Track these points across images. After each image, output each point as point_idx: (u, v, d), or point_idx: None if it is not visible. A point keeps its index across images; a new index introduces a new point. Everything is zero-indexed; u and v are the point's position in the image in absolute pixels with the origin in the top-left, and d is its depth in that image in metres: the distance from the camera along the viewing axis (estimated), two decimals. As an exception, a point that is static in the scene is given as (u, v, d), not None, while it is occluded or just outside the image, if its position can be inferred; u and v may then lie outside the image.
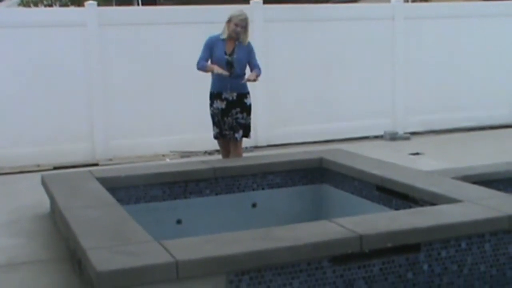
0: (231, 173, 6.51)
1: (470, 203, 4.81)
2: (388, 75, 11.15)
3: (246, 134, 7.37)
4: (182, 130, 9.96)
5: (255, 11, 10.27)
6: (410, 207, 5.36)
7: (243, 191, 6.52)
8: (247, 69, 7.38)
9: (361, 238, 4.11)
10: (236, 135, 7.28)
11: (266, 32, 10.31)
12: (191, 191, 6.32)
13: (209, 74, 7.29)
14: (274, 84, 10.32)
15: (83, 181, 6.02)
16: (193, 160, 8.69)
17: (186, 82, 9.68)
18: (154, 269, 3.70)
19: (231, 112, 7.24)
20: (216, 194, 6.42)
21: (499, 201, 4.87)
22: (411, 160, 8.72)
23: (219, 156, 7.97)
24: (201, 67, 7.22)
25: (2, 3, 22.41)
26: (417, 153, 9.53)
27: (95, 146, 9.63)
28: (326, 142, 10.29)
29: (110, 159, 9.57)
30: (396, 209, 5.52)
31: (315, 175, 6.82)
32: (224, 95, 7.23)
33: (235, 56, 7.21)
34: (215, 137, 7.44)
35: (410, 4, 15.30)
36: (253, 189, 6.57)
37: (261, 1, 10.50)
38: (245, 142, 7.70)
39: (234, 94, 7.23)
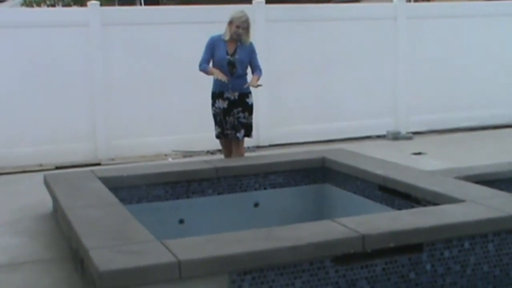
0: (233, 173, 6.51)
1: (473, 203, 4.81)
2: (391, 74, 11.14)
3: (248, 133, 7.37)
4: (184, 129, 9.96)
5: (257, 11, 10.27)
6: (412, 207, 5.35)
7: (245, 190, 6.52)
8: (248, 70, 7.38)
9: (363, 238, 4.11)
10: (238, 134, 7.28)
11: (268, 32, 10.30)
12: (193, 190, 6.32)
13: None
14: (276, 84, 10.32)
15: (85, 181, 6.02)
16: (195, 160, 8.69)
17: (188, 82, 9.67)
18: (156, 269, 3.70)
19: (233, 111, 7.25)
20: (219, 193, 6.42)
21: (502, 201, 4.86)
22: (413, 160, 8.71)
23: (221, 156, 7.97)
24: (203, 69, 7.23)
25: (5, 3, 22.43)
26: (419, 153, 9.52)
27: (97, 145, 9.63)
28: (328, 142, 10.28)
29: (112, 159, 9.57)
30: (399, 209, 5.52)
31: (317, 175, 6.82)
32: (226, 95, 7.24)
33: (237, 56, 7.21)
34: (217, 136, 7.45)
35: (412, 4, 15.29)
36: (255, 189, 6.57)
37: (263, 1, 10.50)
38: (247, 141, 7.69)
39: (236, 94, 7.24)
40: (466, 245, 4.39)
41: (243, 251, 3.90)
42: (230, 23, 7.21)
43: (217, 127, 7.37)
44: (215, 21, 7.41)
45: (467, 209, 4.68)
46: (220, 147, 7.82)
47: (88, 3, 9.94)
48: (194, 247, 3.99)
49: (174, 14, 10.29)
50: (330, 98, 10.79)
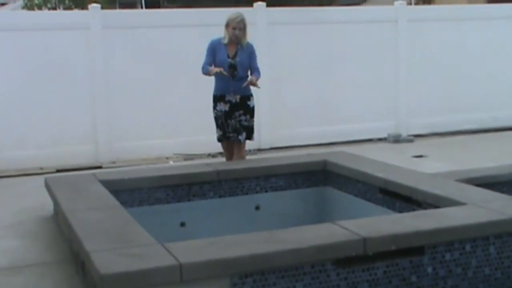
0: (235, 176, 6.51)
1: (474, 205, 4.80)
2: (392, 77, 11.14)
3: (249, 136, 7.37)
4: (185, 132, 9.96)
5: (258, 14, 10.29)
6: (413, 209, 5.34)
7: (247, 193, 6.52)
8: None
9: (364, 240, 4.11)
10: (240, 137, 7.28)
11: (270, 35, 10.31)
12: (194, 193, 6.32)
13: (213, 77, 7.29)
14: (278, 87, 10.33)
15: (86, 184, 6.02)
16: (197, 163, 8.70)
17: (189, 85, 9.68)
18: (157, 272, 3.70)
19: (234, 114, 7.25)
20: (220, 196, 6.41)
21: (503, 204, 4.86)
22: (414, 163, 8.71)
23: (223, 159, 7.97)
24: (205, 72, 7.23)
25: (6, 6, 22.47)
26: (420, 156, 9.52)
27: (98, 148, 9.63)
28: (329, 145, 10.29)
29: (114, 162, 9.57)
30: (400, 211, 5.51)
31: (318, 178, 6.81)
32: (227, 98, 7.24)
33: (238, 59, 7.22)
34: (219, 139, 7.45)
35: (413, 6, 15.33)
36: (257, 192, 6.56)
37: (265, 4, 10.50)
38: (248, 144, 7.69)
39: (238, 97, 7.24)
40: (468, 248, 4.39)
41: (244, 254, 3.90)
42: (227, 25, 7.23)
43: (218, 130, 7.37)
44: (216, 24, 7.41)
45: (468, 212, 4.68)
46: (221, 150, 7.82)
47: (89, 6, 9.96)
48: (195, 250, 3.98)
49: (175, 17, 10.31)
50: (332, 100, 10.79)
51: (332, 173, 6.70)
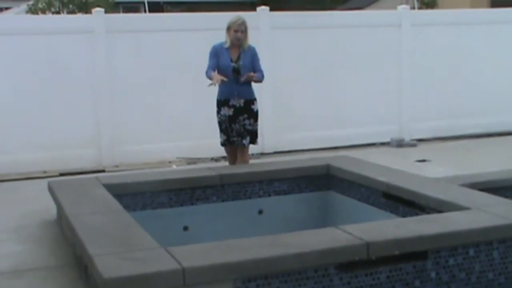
0: (238, 180, 6.51)
1: (478, 210, 4.79)
2: (395, 81, 11.14)
3: (253, 140, 7.37)
4: (188, 136, 9.96)
5: (262, 18, 10.30)
6: (417, 214, 5.34)
7: (250, 197, 6.52)
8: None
9: (368, 245, 4.10)
10: (244, 141, 7.28)
11: (273, 39, 10.32)
12: (197, 197, 6.32)
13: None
14: (281, 91, 10.33)
15: (89, 188, 6.02)
16: (200, 167, 8.70)
17: (192, 89, 9.69)
18: (160, 276, 3.70)
19: (238, 118, 7.24)
20: (223, 200, 6.41)
21: (507, 208, 4.85)
22: (417, 167, 8.70)
23: (226, 163, 7.97)
24: (208, 76, 7.22)
25: (10, 10, 22.52)
26: (423, 160, 9.51)
27: (101, 152, 9.64)
28: (332, 149, 10.28)
29: (117, 166, 9.58)
30: (403, 216, 5.51)
31: (321, 182, 6.81)
32: (231, 102, 7.23)
33: (241, 62, 7.22)
34: (223, 144, 7.43)
35: (416, 11, 15.32)
36: (260, 196, 6.56)
37: (268, 8, 10.51)
38: (252, 148, 7.69)
39: (242, 101, 7.24)
40: (471, 252, 4.38)
41: (247, 258, 3.89)
42: (228, 29, 7.23)
43: (222, 134, 7.36)
44: (219, 28, 7.42)
45: (472, 216, 4.67)
46: (224, 154, 7.82)
47: (93, 10, 9.98)
48: (198, 254, 3.98)
49: (178, 21, 10.32)
50: (335, 105, 10.79)
51: (335, 178, 6.70)
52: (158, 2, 25.55)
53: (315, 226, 5.84)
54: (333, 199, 6.73)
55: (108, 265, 3.82)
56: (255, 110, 7.33)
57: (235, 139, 7.29)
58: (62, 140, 9.45)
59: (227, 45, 7.24)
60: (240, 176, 6.57)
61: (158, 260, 3.89)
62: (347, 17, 11.54)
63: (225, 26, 7.31)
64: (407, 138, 10.99)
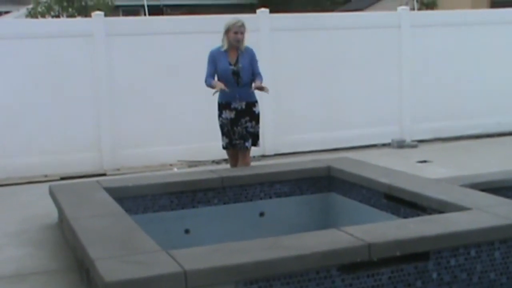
0: (239, 182, 6.51)
1: (479, 210, 4.80)
2: (395, 82, 11.13)
3: (255, 142, 7.36)
4: (189, 139, 9.96)
5: (261, 21, 10.30)
6: (418, 215, 5.33)
7: (251, 200, 6.52)
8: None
9: (369, 246, 4.10)
10: (247, 144, 7.27)
11: (273, 41, 10.32)
12: (199, 200, 6.32)
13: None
14: (281, 93, 10.33)
15: (90, 191, 6.03)
16: (201, 170, 8.71)
17: (193, 92, 9.67)
18: (162, 279, 3.70)
19: (240, 121, 7.24)
20: (224, 203, 6.41)
21: (508, 209, 4.85)
22: (418, 168, 8.70)
23: (227, 165, 7.97)
24: (209, 84, 7.21)
25: (10, 14, 22.53)
26: (424, 161, 9.51)
27: (102, 156, 9.64)
28: (333, 151, 10.28)
29: (118, 169, 9.58)
30: (404, 217, 5.51)
31: (323, 184, 6.81)
32: (233, 105, 7.23)
33: (240, 65, 7.21)
34: (225, 147, 7.42)
35: (416, 12, 15.33)
36: (261, 198, 6.56)
37: (268, 10, 10.52)
38: (253, 151, 7.68)
39: (243, 103, 7.23)
40: (473, 253, 4.38)
41: (249, 261, 3.89)
42: (227, 31, 7.21)
43: (224, 137, 7.35)
44: (220, 31, 7.41)
45: (473, 217, 4.67)
46: (225, 156, 7.82)
47: (93, 13, 9.98)
48: (200, 257, 3.98)
49: (178, 24, 10.31)
50: (335, 106, 10.79)
51: (337, 179, 6.70)
52: (158, 5, 25.60)
53: (317, 228, 5.84)
54: (334, 201, 6.73)
55: (110, 268, 3.82)
56: (256, 112, 7.33)
57: (237, 141, 7.29)
58: (63, 144, 9.45)
59: (224, 48, 7.23)
60: (242, 179, 6.57)
61: (159, 263, 3.89)
62: (347, 19, 11.53)
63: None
64: (408, 139, 10.99)
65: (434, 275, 4.29)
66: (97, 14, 9.82)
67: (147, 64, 9.83)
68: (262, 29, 10.19)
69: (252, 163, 7.81)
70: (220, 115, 7.32)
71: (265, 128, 9.67)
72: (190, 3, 27.11)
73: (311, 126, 10.66)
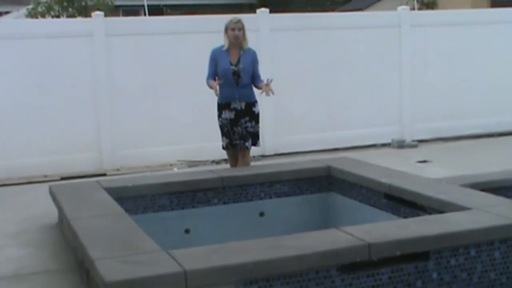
0: (239, 182, 6.51)
1: (479, 210, 4.80)
2: (395, 82, 11.13)
3: (255, 142, 7.37)
4: (189, 139, 9.96)
5: (261, 21, 10.30)
6: (418, 215, 5.34)
7: (251, 200, 6.52)
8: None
9: (369, 246, 4.10)
10: (246, 144, 7.28)
11: (273, 41, 10.31)
12: (199, 200, 6.32)
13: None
14: (281, 93, 10.27)
15: (90, 191, 6.03)
16: (201, 170, 8.70)
17: (193, 92, 9.68)
18: (162, 279, 3.70)
19: (240, 121, 7.24)
20: (224, 203, 6.41)
21: (508, 209, 4.85)
22: (419, 168, 8.70)
23: (227, 165, 7.97)
24: (208, 85, 7.23)
25: (10, 15, 22.53)
26: (424, 161, 9.51)
27: (102, 156, 9.64)
28: (333, 151, 10.28)
29: (118, 169, 9.57)
30: (404, 217, 5.51)
31: (323, 184, 6.81)
32: (232, 105, 7.23)
33: (241, 65, 7.21)
34: (225, 147, 7.43)
35: (416, 11, 15.31)
36: (261, 198, 6.56)
37: (268, 11, 10.52)
38: (253, 151, 7.69)
39: (243, 104, 7.24)
40: (473, 253, 4.38)
41: (249, 261, 3.89)
42: (226, 30, 7.24)
43: (224, 138, 7.36)
44: (219, 31, 7.42)
45: (473, 217, 4.67)
46: (225, 156, 7.82)
47: (93, 14, 9.98)
48: (200, 256, 3.98)
49: (178, 24, 10.31)
50: (335, 106, 10.79)
51: (336, 179, 6.70)
52: (158, 5, 25.59)
53: (317, 227, 5.84)
54: (334, 201, 6.73)
55: (110, 268, 3.82)
56: (256, 112, 7.33)
57: (237, 142, 7.29)
58: (63, 144, 9.45)
59: (225, 47, 7.25)
60: (241, 179, 6.57)
61: (159, 263, 3.89)
62: (347, 19, 11.53)
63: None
64: (408, 139, 10.98)
65: (434, 275, 4.29)
66: (97, 14, 9.82)
67: (147, 64, 9.83)
68: (262, 29, 10.19)
69: (252, 163, 7.81)
70: (219, 116, 7.33)
71: (265, 128, 9.67)
72: (190, 3, 27.11)
73: (311, 126, 10.66)
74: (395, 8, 11.67)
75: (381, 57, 11.02)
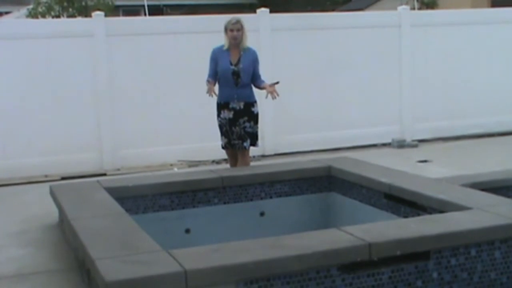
0: (239, 182, 6.51)
1: (479, 210, 4.80)
2: (395, 82, 11.13)
3: (254, 142, 7.37)
4: (189, 139, 9.96)
5: (262, 20, 10.29)
6: (418, 214, 5.34)
7: (251, 200, 6.52)
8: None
9: (370, 246, 4.10)
10: (245, 144, 7.28)
11: (273, 41, 10.31)
12: (199, 200, 6.33)
13: (216, 84, 7.31)
14: (281, 93, 10.17)
15: (91, 191, 6.03)
16: (201, 169, 8.71)
17: (193, 92, 9.67)
18: (163, 278, 3.70)
19: (238, 121, 7.25)
20: (224, 203, 6.41)
21: (509, 208, 4.85)
22: (419, 168, 8.70)
23: (227, 165, 7.97)
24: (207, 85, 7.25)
25: (11, 15, 22.53)
26: (425, 161, 9.51)
27: (103, 156, 9.64)
28: (333, 150, 10.28)
29: (118, 169, 9.58)
30: (405, 217, 5.51)
31: (323, 184, 6.81)
32: (231, 105, 7.24)
33: (241, 65, 7.22)
34: (224, 147, 7.44)
35: (416, 11, 15.31)
36: (261, 198, 6.56)
37: (268, 10, 10.52)
38: (252, 151, 7.69)
39: (242, 104, 7.24)
40: (473, 252, 4.38)
41: (249, 260, 3.90)
42: (225, 30, 7.25)
43: (223, 137, 7.37)
44: (220, 31, 7.42)
45: (473, 216, 4.67)
46: (225, 156, 7.83)
47: (93, 13, 9.98)
48: (200, 256, 3.99)
49: (178, 24, 10.32)
50: (336, 106, 10.79)
51: (337, 179, 6.70)
52: (158, 5, 25.60)
53: (317, 227, 5.85)
54: (334, 201, 6.73)
55: (110, 268, 3.83)
56: (255, 112, 7.33)
57: (236, 142, 7.29)
58: (64, 144, 9.45)
59: (226, 47, 7.26)
60: (242, 178, 6.57)
61: (160, 263, 3.89)
62: (347, 18, 11.52)
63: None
64: (408, 139, 10.98)
65: (435, 275, 4.29)
66: (97, 14, 9.82)
67: (147, 64, 9.83)
68: (262, 29, 10.19)
69: (252, 163, 7.82)
70: (218, 115, 7.34)
71: (265, 128, 9.68)
72: (190, 3, 27.12)
73: (311, 126, 10.65)
74: (395, 8, 11.67)
75: (382, 56, 11.02)
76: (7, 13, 23.95)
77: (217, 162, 9.67)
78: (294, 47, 10.56)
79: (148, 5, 17.62)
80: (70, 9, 19.36)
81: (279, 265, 3.93)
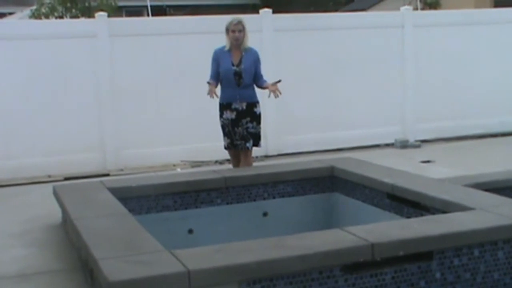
0: (242, 183, 6.51)
1: (482, 210, 4.79)
2: (398, 82, 11.13)
3: (256, 143, 7.37)
4: (192, 139, 9.96)
5: (264, 21, 10.30)
6: (421, 215, 5.34)
7: (254, 200, 6.52)
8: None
9: (372, 246, 4.10)
10: (247, 144, 7.29)
11: (276, 41, 10.32)
12: (202, 200, 6.33)
13: (219, 85, 7.32)
14: (284, 93, 10.18)
15: (94, 192, 6.04)
16: (204, 170, 8.71)
17: (196, 92, 9.64)
18: (166, 279, 3.70)
19: (241, 122, 7.25)
20: (227, 203, 6.42)
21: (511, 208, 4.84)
22: (422, 168, 8.69)
23: (230, 166, 7.98)
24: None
25: (14, 16, 22.56)
26: (428, 161, 9.50)
27: (106, 156, 9.65)
28: (336, 151, 10.28)
29: (121, 169, 9.59)
30: (408, 217, 5.51)
31: (326, 184, 6.81)
32: (234, 106, 7.24)
33: (242, 66, 7.22)
34: (226, 147, 7.44)
35: (419, 12, 15.31)
36: (264, 198, 6.56)
37: (271, 11, 10.52)
38: (255, 151, 7.69)
39: (244, 104, 7.24)
40: (476, 253, 4.38)
41: (252, 261, 3.90)
42: (227, 31, 7.25)
43: (225, 138, 7.37)
44: (222, 31, 7.42)
45: (476, 217, 4.67)
46: (228, 156, 7.83)
47: (96, 14, 9.99)
48: (203, 256, 3.99)
49: (181, 25, 10.32)
50: (338, 106, 10.79)
51: (340, 179, 6.70)
52: (161, 6, 25.59)
53: (320, 227, 5.84)
54: (337, 201, 6.73)
55: (114, 268, 3.83)
56: (257, 113, 7.33)
57: (238, 142, 7.30)
58: (67, 145, 9.46)
59: (227, 47, 7.26)
60: (245, 179, 6.57)
61: (163, 263, 3.90)
62: (349, 19, 11.53)
63: (227, 29, 7.33)
64: (411, 139, 10.98)
65: (438, 275, 4.29)
66: (100, 15, 9.83)
67: (150, 64, 9.84)
68: (265, 30, 10.20)
69: (255, 163, 7.82)
70: (221, 116, 7.34)
71: (267, 128, 9.69)
72: (193, 4, 27.12)
73: (314, 126, 10.66)
74: (398, 8, 11.67)
75: (384, 57, 11.02)
76: (10, 14, 23.99)
77: (220, 162, 9.68)
78: (297, 47, 10.56)
79: (151, 6, 17.64)
80: (73, 10, 19.36)
81: (282, 266, 3.93)
